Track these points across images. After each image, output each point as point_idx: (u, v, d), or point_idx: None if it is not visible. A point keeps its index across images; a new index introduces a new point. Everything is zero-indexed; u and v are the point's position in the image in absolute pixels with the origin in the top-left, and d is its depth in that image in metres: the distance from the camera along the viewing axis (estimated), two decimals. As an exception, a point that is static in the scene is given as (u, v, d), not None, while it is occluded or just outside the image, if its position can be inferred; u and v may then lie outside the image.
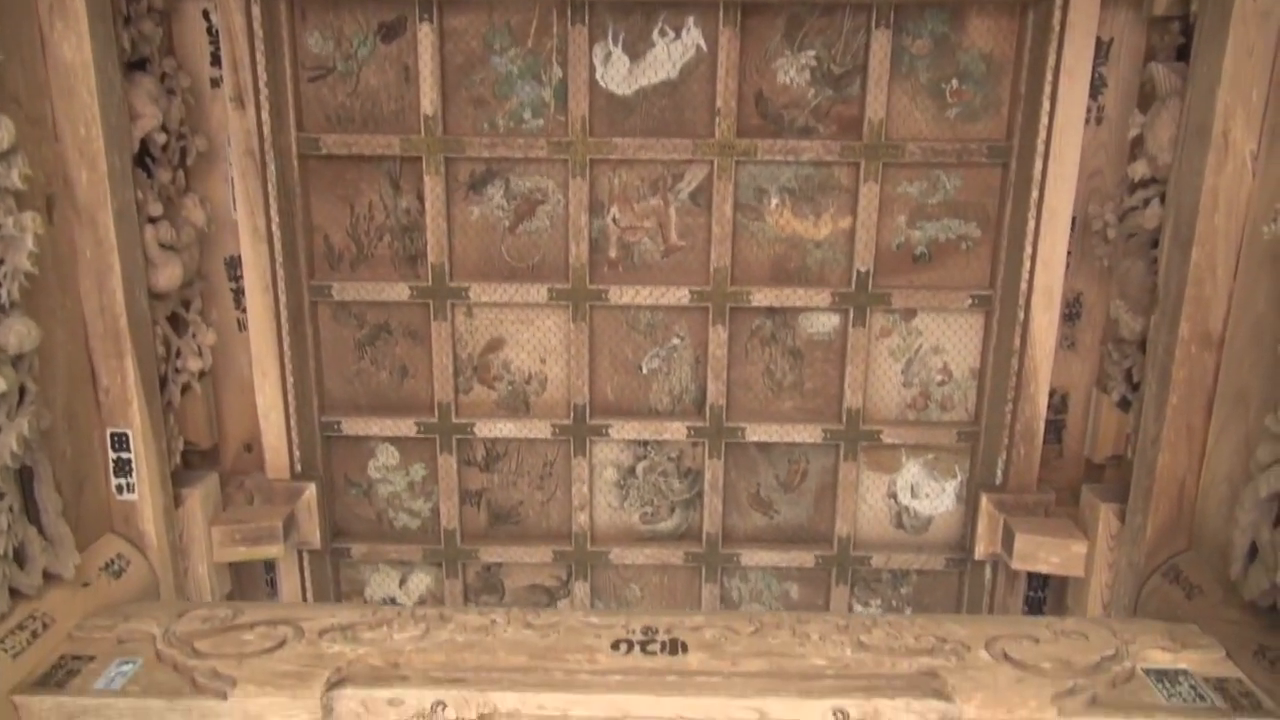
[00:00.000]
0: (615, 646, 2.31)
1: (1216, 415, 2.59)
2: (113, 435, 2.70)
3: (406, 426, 3.39)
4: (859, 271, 3.21)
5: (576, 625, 2.39)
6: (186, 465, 3.15)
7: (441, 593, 3.61)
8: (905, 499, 3.49)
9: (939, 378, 3.37)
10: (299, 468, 3.29)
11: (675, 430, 3.38)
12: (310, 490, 3.26)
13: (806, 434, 3.37)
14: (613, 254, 3.28)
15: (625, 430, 3.39)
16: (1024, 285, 3.05)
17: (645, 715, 2.18)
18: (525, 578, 3.62)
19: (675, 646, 2.31)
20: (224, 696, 2.16)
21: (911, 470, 3.46)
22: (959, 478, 3.44)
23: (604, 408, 3.42)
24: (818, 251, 3.27)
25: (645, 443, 3.45)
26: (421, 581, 3.63)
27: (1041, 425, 3.17)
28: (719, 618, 2.42)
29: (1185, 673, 2.28)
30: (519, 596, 3.64)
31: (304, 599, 3.44)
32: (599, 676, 2.22)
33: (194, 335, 3.02)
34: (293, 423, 3.25)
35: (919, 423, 3.39)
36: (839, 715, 2.17)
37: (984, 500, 3.22)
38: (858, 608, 3.60)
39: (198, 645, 2.29)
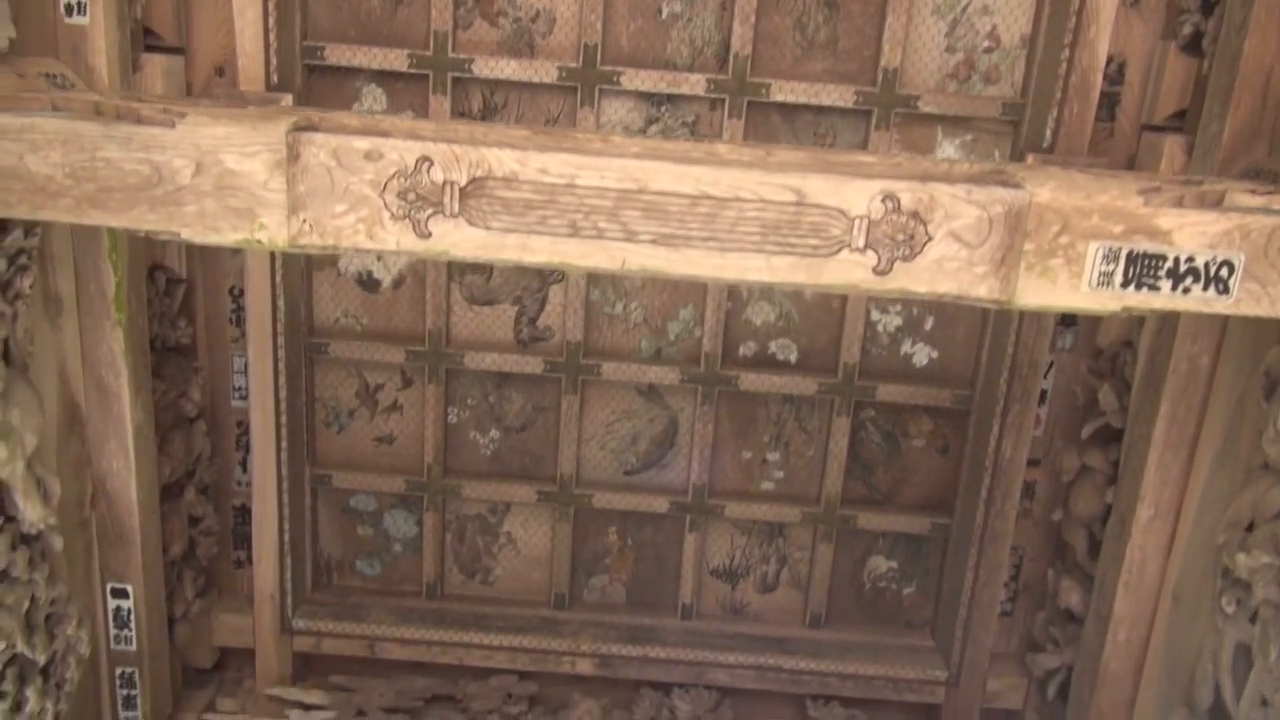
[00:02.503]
0: (630, 134, 2.00)
1: (1314, -13, 2.32)
2: (63, -61, 2.36)
3: (398, 59, 3.06)
4: (910, -102, 2.92)
5: (585, 129, 2.07)
6: (149, 60, 2.82)
7: (424, 269, 3.28)
8: (937, 187, 3.19)
9: (986, 43, 3.07)
10: (275, 80, 2.95)
11: (694, 84, 3.06)
12: (287, 101, 2.92)
13: (837, 96, 3.06)
14: None
15: (638, 80, 3.06)
16: (1094, -95, 2.76)
17: (665, 189, 1.87)
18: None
19: (701, 138, 2.00)
20: (172, 125, 1.83)
21: (946, 152, 3.16)
22: (998, 164, 3.15)
23: (617, 56, 3.10)
24: (865, -119, 2.97)
25: (659, 101, 3.12)
26: (402, 254, 3.30)
27: (1099, 79, 2.87)
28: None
29: (1280, 210, 2.00)
30: (508, 279, 3.32)
31: (272, 269, 3.10)
32: (613, 147, 1.91)
33: (166, -117, 2.68)
34: (271, 26, 2.90)
35: (960, 94, 3.10)
36: (889, 201, 1.87)
37: (1030, 161, 2.92)
38: (875, 314, 3.31)
39: (147, 95, 1.96)
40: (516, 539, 3.59)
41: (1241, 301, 1.87)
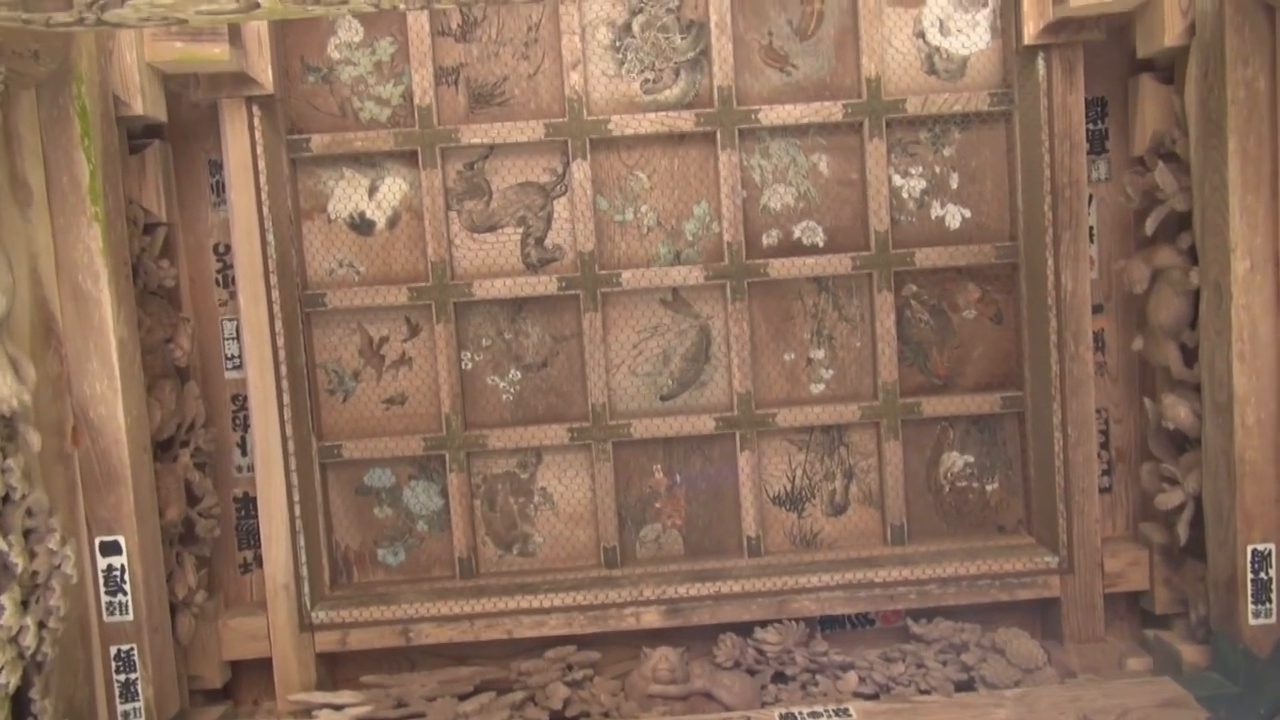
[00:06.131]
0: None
1: None
2: None
3: (372, -19, 3.00)
4: None
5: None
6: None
7: (419, 202, 3.10)
8: (935, 38, 3.11)
9: (955, -109, 3.09)
10: (248, 3, 2.86)
11: (675, -20, 3.03)
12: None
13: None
14: None
15: (618, -2, 3.05)
16: None
17: None
18: (516, 172, 3.13)
19: None
20: None
21: (938, 1, 3.10)
22: (990, 5, 3.09)
23: (592, -40, 3.07)
24: None
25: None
26: (395, 189, 3.13)
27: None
28: None
29: None
30: (508, 200, 3.14)
31: (259, 210, 2.91)
32: None
33: None
34: None
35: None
36: None
37: (1027, -30, 2.87)
38: (897, 179, 3.14)
39: None
40: (553, 495, 3.23)
41: None
